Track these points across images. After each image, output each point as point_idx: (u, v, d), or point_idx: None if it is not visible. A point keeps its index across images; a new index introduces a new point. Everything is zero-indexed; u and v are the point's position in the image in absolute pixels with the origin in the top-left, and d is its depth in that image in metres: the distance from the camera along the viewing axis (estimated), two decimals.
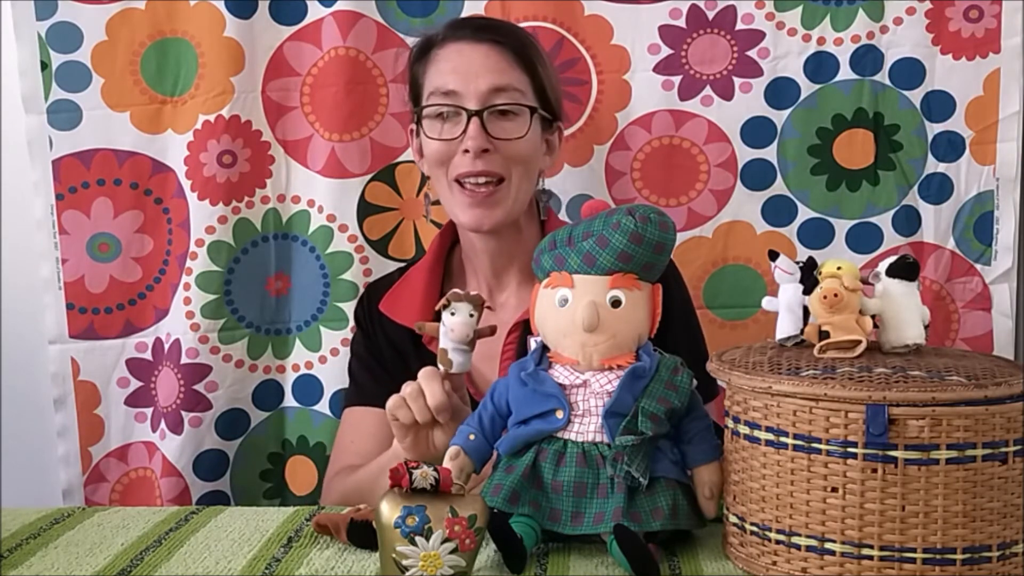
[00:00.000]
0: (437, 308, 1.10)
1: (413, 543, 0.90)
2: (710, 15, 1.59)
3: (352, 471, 1.33)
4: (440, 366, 1.11)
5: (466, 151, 1.28)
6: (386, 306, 1.41)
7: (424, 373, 1.11)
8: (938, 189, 1.58)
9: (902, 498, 0.88)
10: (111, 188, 1.62)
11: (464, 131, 1.28)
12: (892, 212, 1.59)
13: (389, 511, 0.90)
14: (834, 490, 0.89)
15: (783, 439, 0.92)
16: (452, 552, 0.90)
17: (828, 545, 0.90)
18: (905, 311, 1.00)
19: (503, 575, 0.95)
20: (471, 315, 1.08)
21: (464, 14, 1.59)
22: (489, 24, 1.42)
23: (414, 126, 1.39)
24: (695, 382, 1.03)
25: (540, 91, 1.34)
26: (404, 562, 0.90)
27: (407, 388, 1.12)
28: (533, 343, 1.28)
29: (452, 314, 1.08)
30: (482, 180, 1.29)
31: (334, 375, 1.61)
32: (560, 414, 1.00)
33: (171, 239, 1.63)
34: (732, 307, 1.62)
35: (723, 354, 1.04)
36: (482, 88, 1.29)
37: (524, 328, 1.31)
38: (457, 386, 1.13)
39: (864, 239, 1.59)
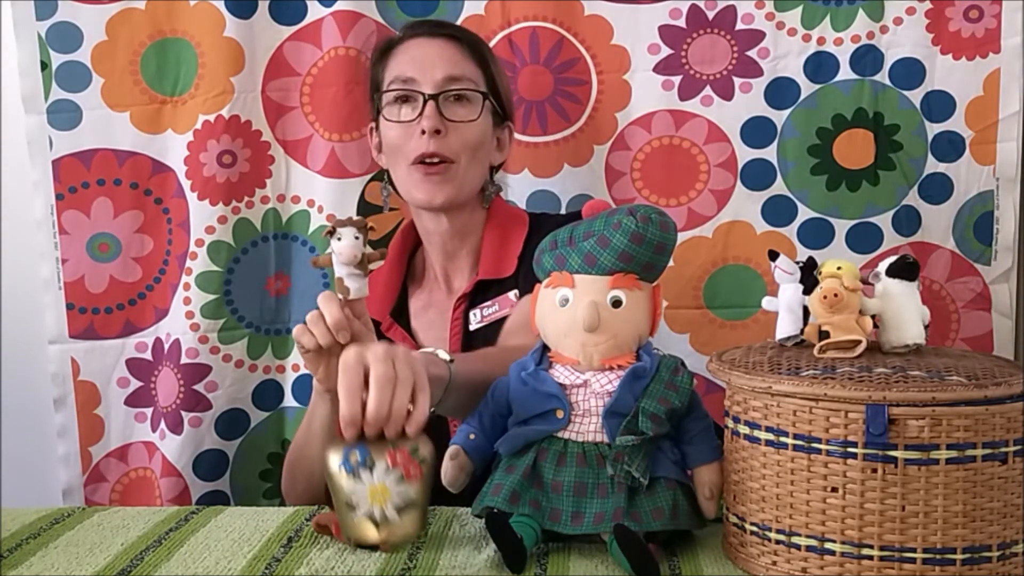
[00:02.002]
0: (324, 235, 1.13)
1: (359, 478, 0.91)
2: (710, 15, 1.59)
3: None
4: (339, 295, 1.13)
5: (422, 132, 1.35)
6: None
7: (321, 297, 1.14)
8: (938, 189, 1.58)
9: (902, 498, 0.88)
10: (111, 188, 1.62)
11: (421, 113, 1.36)
12: (892, 212, 1.59)
13: (333, 458, 0.93)
14: (834, 490, 0.89)
15: (783, 439, 0.92)
16: (399, 482, 0.92)
17: (828, 545, 0.90)
18: (905, 311, 1.00)
19: (503, 575, 0.95)
20: (356, 237, 1.09)
21: (464, 14, 1.60)
22: (445, 23, 1.52)
23: (373, 124, 1.46)
24: (694, 381, 1.03)
25: (492, 87, 1.43)
26: (354, 500, 0.91)
27: (309, 315, 1.15)
28: (473, 316, 1.38)
29: (339, 239, 1.10)
30: (436, 160, 1.36)
31: None
32: (560, 414, 1.00)
33: (171, 239, 1.63)
34: (732, 307, 1.62)
35: (723, 354, 1.04)
36: (438, 77, 1.37)
37: (468, 302, 1.40)
38: (359, 312, 1.16)
39: (864, 239, 1.59)
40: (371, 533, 0.93)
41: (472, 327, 1.38)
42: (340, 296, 1.12)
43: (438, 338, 1.42)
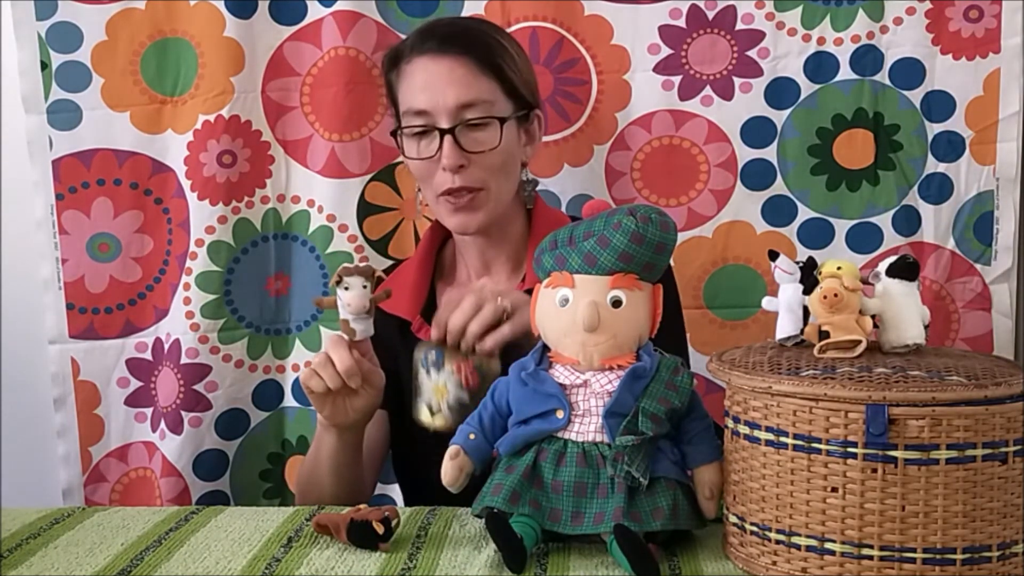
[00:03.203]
0: (331, 284, 1.16)
1: (428, 374, 1.14)
2: (710, 15, 1.59)
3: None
4: (345, 336, 1.15)
5: (444, 168, 1.31)
6: None
7: (330, 341, 1.16)
8: (938, 189, 1.58)
9: (902, 498, 0.88)
10: (111, 188, 1.62)
11: (439, 148, 1.30)
12: (892, 212, 1.59)
13: (418, 351, 1.16)
14: (834, 490, 0.89)
15: (783, 439, 0.92)
16: (457, 386, 1.13)
17: (828, 545, 0.90)
18: (905, 311, 1.00)
19: (503, 575, 0.95)
20: (364, 286, 1.13)
21: (464, 14, 1.59)
22: (454, 32, 1.38)
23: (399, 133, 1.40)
24: (694, 381, 1.03)
25: (511, 91, 1.35)
26: (421, 388, 1.15)
27: (316, 358, 1.17)
28: None
29: (346, 288, 1.13)
30: (463, 193, 1.32)
31: None
32: (560, 414, 1.00)
33: (171, 239, 1.63)
34: (732, 307, 1.62)
35: (723, 354, 1.04)
36: (451, 104, 1.30)
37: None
38: (364, 351, 1.18)
39: (864, 239, 1.59)
40: (425, 417, 1.14)
41: None
42: (346, 337, 1.13)
43: None
